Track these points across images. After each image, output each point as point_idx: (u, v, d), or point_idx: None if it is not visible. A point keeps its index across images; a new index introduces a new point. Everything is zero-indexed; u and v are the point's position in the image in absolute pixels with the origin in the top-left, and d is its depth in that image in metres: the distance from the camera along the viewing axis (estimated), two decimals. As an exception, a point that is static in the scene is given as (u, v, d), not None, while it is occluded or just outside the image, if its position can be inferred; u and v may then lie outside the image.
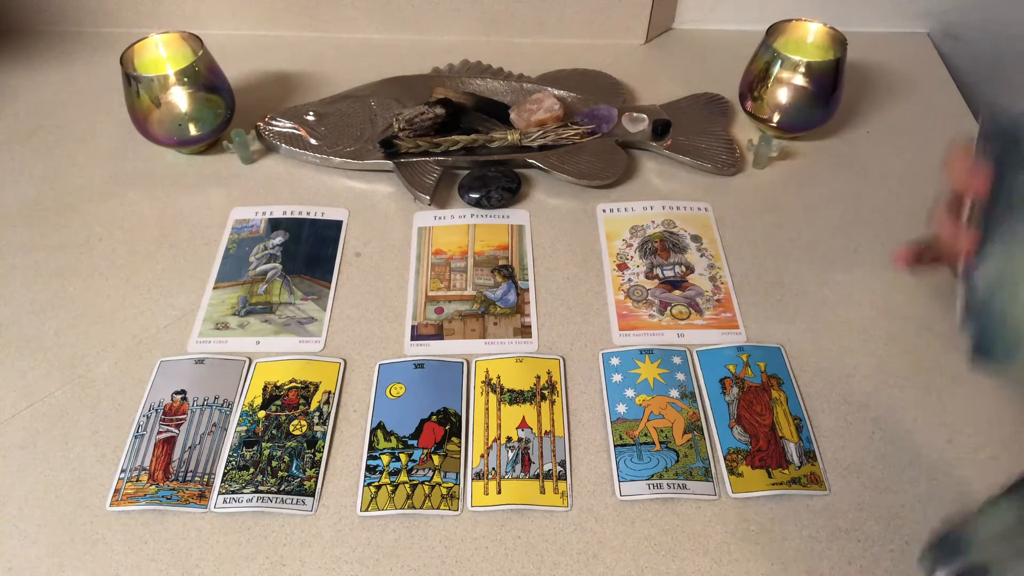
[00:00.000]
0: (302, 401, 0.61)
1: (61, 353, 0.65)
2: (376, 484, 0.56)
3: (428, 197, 0.75)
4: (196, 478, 0.57)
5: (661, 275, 0.71)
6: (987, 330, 0.38)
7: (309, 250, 0.73)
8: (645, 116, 0.82)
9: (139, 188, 0.79)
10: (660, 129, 0.81)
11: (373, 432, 0.59)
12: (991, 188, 0.39)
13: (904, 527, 0.54)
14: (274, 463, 0.58)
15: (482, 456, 0.58)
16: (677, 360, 0.64)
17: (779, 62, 0.78)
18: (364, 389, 0.63)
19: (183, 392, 0.62)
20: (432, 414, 0.60)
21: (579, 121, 0.81)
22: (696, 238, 0.74)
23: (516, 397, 0.61)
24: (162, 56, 0.80)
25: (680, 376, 0.63)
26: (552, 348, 0.65)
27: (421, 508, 0.55)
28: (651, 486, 0.56)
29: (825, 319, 0.67)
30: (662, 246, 0.73)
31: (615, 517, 0.55)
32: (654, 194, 0.79)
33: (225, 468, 0.57)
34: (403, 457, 0.58)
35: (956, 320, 0.40)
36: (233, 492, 0.56)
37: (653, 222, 0.75)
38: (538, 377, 0.63)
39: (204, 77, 0.79)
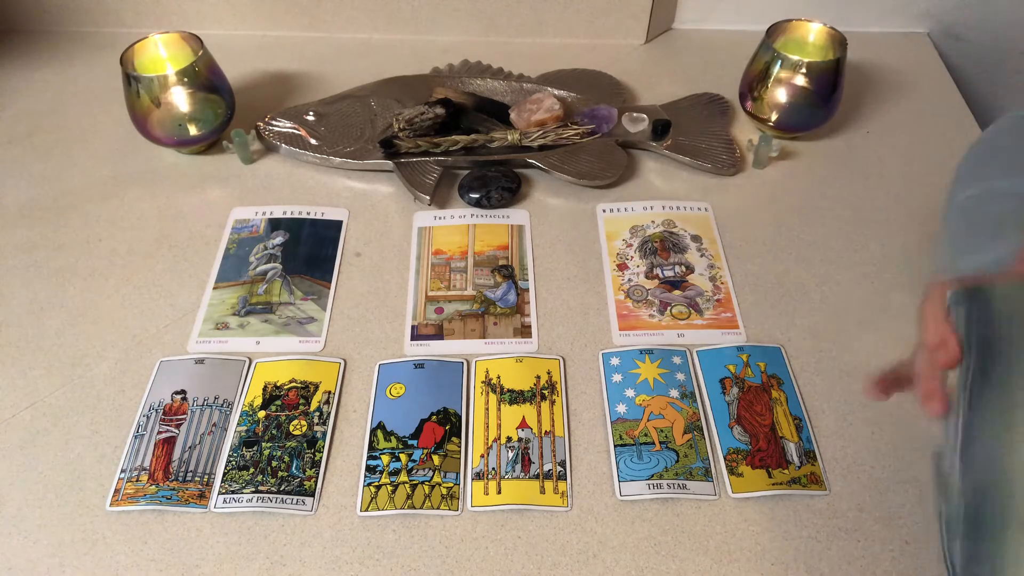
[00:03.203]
0: (302, 401, 0.61)
1: (61, 353, 0.65)
2: (376, 484, 0.56)
3: (428, 197, 0.75)
4: (196, 478, 0.57)
5: (661, 275, 0.71)
6: (979, 503, 0.37)
7: (309, 250, 0.73)
8: (645, 116, 0.82)
9: (139, 188, 0.79)
10: (660, 129, 0.81)
11: (373, 432, 0.59)
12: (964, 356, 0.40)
13: (904, 527, 0.54)
14: (274, 463, 0.58)
15: (482, 456, 0.58)
16: (677, 360, 0.64)
17: (779, 62, 0.78)
18: (364, 389, 0.63)
19: (183, 392, 0.62)
20: (432, 414, 0.60)
21: (579, 121, 0.81)
22: (696, 238, 0.74)
23: (516, 397, 0.61)
24: (162, 56, 0.80)
25: (680, 376, 0.63)
26: (552, 348, 0.65)
27: (421, 508, 0.55)
28: (651, 486, 0.56)
29: (825, 319, 0.67)
30: (662, 246, 0.73)
31: (615, 517, 0.55)
32: (654, 194, 0.79)
33: (225, 468, 0.57)
34: (403, 457, 0.58)
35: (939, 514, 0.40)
36: (233, 492, 0.56)
37: (653, 222, 0.75)
38: (538, 377, 0.63)
39: (204, 77, 0.79)
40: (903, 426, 0.60)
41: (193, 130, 0.79)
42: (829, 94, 0.79)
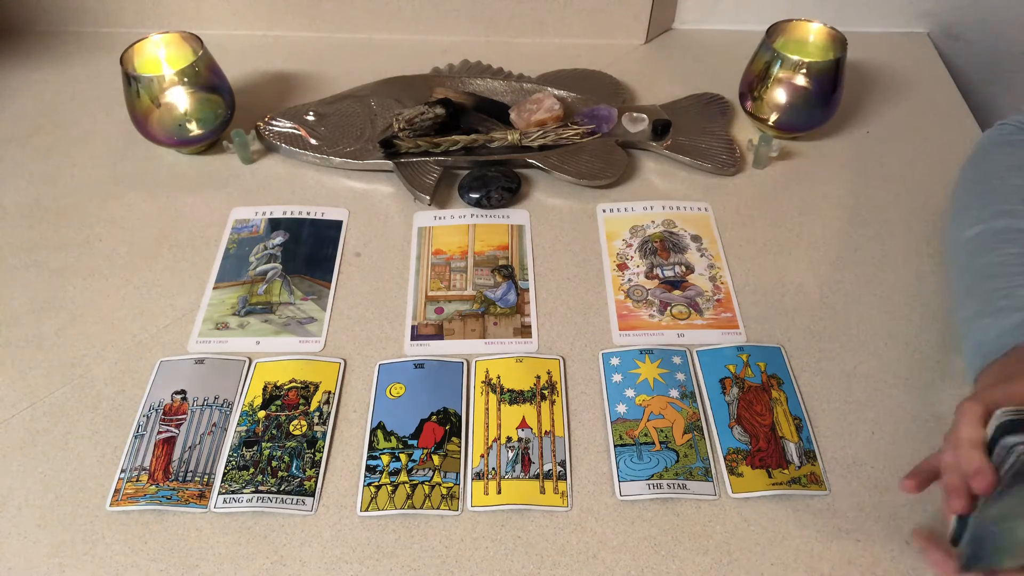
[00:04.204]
0: (302, 401, 0.61)
1: (61, 353, 0.65)
2: (376, 484, 0.56)
3: (428, 197, 0.75)
4: (196, 478, 0.57)
5: (661, 275, 0.71)
6: (983, 550, 0.42)
7: (309, 250, 0.73)
8: (645, 116, 0.82)
9: (139, 188, 0.79)
10: (660, 129, 0.81)
11: (373, 432, 0.59)
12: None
13: (904, 527, 0.54)
14: (274, 463, 0.58)
15: (482, 456, 0.58)
16: (677, 360, 0.64)
17: (779, 62, 0.78)
18: (364, 389, 0.63)
19: (183, 392, 0.62)
20: (432, 414, 0.60)
21: (579, 121, 0.81)
22: (696, 238, 0.74)
23: (516, 397, 0.61)
24: (162, 56, 0.80)
25: (680, 376, 0.63)
26: (552, 348, 0.65)
27: (421, 508, 0.55)
28: (651, 486, 0.56)
29: (825, 319, 0.67)
30: (662, 246, 0.73)
31: (615, 517, 0.55)
32: (654, 194, 0.79)
33: (225, 468, 0.57)
34: (403, 457, 0.58)
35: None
36: (233, 492, 0.56)
37: (653, 222, 0.75)
38: (538, 377, 0.63)
39: (204, 77, 0.79)
40: (903, 426, 0.60)
41: (193, 130, 0.79)
42: (829, 94, 0.79)
